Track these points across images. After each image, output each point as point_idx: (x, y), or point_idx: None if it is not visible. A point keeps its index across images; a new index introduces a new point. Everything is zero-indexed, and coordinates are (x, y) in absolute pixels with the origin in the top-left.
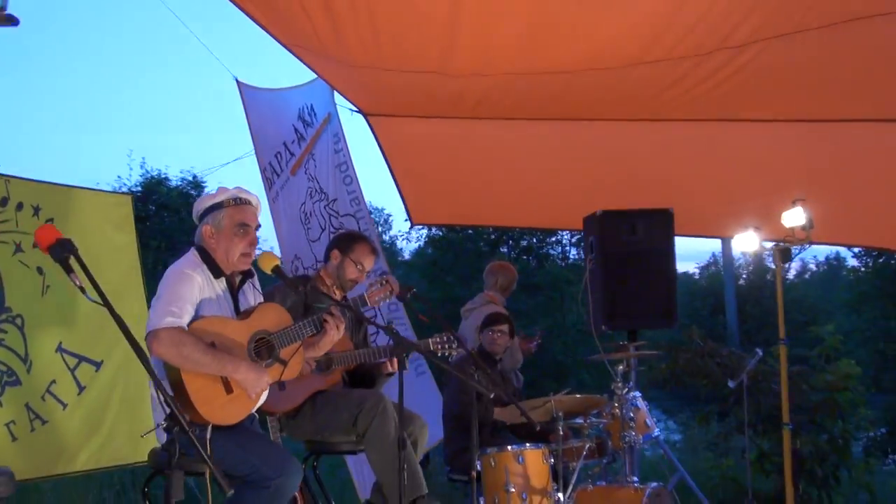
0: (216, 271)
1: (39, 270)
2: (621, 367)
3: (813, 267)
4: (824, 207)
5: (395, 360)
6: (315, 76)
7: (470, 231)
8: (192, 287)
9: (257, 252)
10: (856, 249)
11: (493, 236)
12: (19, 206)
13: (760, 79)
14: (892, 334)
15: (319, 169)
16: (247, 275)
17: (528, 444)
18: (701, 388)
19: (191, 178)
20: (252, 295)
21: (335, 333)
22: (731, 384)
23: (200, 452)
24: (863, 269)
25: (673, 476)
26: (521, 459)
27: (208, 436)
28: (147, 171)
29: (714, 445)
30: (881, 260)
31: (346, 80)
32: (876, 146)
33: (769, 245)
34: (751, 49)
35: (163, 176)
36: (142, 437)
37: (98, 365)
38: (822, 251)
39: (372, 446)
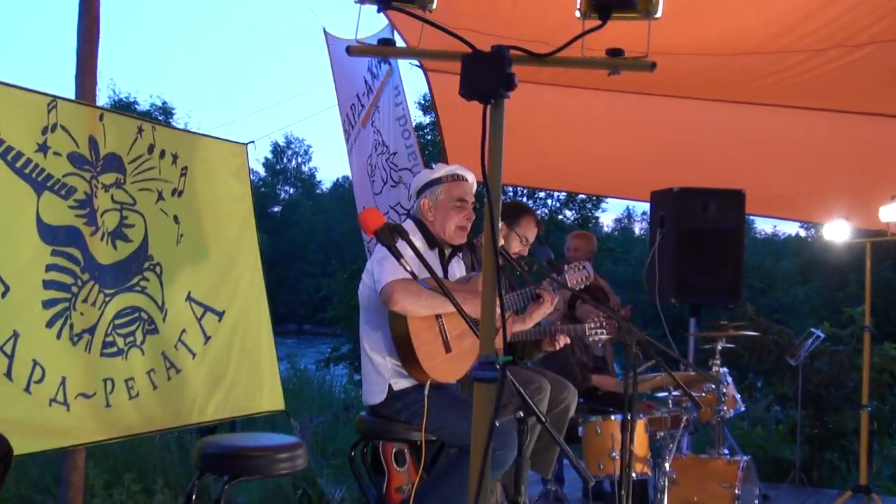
0: (431, 242)
1: (175, 219)
2: (720, 346)
3: None
4: None
5: (557, 338)
6: (378, 30)
7: None
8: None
9: None
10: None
11: None
12: (162, 154)
13: (866, 74)
14: (836, 305)
15: (383, 121)
16: (456, 249)
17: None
18: (750, 363)
19: (160, 104)
20: (458, 268)
21: (548, 307)
22: (792, 362)
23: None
24: (809, 239)
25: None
26: None
27: (426, 392)
28: (115, 94)
29: (753, 417)
30: None
31: (425, 37)
32: None
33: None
34: (866, 48)
35: (131, 100)
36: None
37: (221, 315)
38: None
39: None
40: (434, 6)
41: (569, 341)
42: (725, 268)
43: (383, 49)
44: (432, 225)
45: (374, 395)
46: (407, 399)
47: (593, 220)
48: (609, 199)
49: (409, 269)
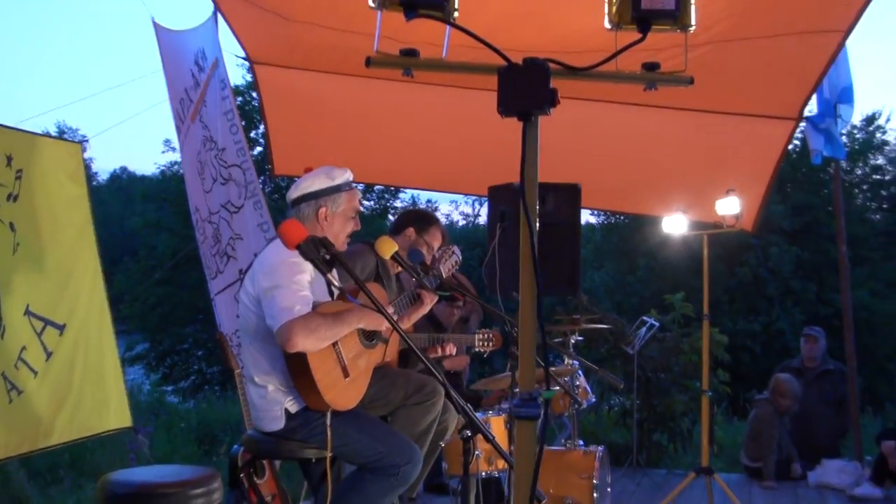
0: None
1: (11, 227)
2: (573, 339)
3: None
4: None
5: (445, 346)
6: (203, 20)
7: None
8: (304, 274)
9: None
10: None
11: None
12: None
13: (703, 72)
14: (627, 288)
15: (210, 116)
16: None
17: (490, 412)
18: (587, 353)
19: None
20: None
21: (427, 308)
22: (629, 351)
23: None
24: (599, 227)
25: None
26: (487, 426)
27: (328, 422)
28: None
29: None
30: (621, 219)
31: (252, 27)
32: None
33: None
34: (703, 48)
35: None
36: None
37: (62, 329)
38: None
39: (400, 423)
40: (456, 15)
41: (455, 351)
42: (564, 260)
43: (407, 60)
44: (324, 234)
45: (271, 422)
46: (303, 418)
47: (393, 210)
48: (406, 190)
49: (336, 284)
